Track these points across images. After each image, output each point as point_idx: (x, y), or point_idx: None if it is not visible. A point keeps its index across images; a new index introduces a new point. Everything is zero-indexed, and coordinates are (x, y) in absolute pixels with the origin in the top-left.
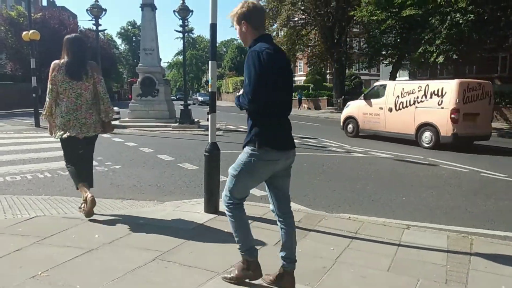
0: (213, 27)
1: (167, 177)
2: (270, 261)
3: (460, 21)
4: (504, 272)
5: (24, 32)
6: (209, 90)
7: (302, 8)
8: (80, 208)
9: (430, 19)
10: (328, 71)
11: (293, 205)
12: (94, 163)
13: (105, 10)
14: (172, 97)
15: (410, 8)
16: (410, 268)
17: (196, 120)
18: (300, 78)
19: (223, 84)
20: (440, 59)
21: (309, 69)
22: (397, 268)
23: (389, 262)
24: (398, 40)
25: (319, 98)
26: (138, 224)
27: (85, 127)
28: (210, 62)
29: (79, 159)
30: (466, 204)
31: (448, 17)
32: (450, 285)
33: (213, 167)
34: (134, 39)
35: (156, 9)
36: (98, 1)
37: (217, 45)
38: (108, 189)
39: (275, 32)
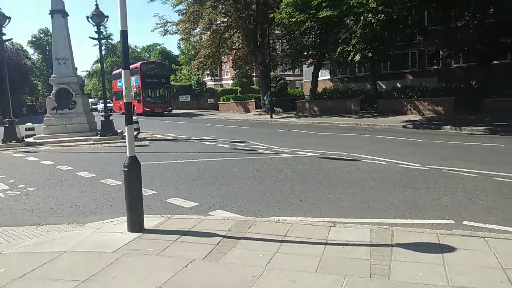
0: (124, 34)
1: (87, 196)
2: (197, 277)
3: (373, 21)
4: (422, 259)
5: None
6: (124, 101)
7: (224, 11)
8: None
9: (345, 19)
10: (254, 74)
11: (224, 214)
12: (5, 187)
13: (9, 18)
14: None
15: (326, 10)
16: (337, 266)
17: (119, 131)
18: (227, 81)
19: None
20: (357, 57)
21: (235, 72)
22: (325, 267)
23: (317, 263)
24: (318, 40)
25: (247, 100)
26: (53, 252)
27: None
28: (123, 71)
29: None
30: (387, 196)
31: (362, 17)
32: (374, 279)
33: (133, 182)
34: (48, 48)
35: (67, 15)
36: (0, 9)
37: (139, 50)
38: (21, 215)
39: (198, 36)
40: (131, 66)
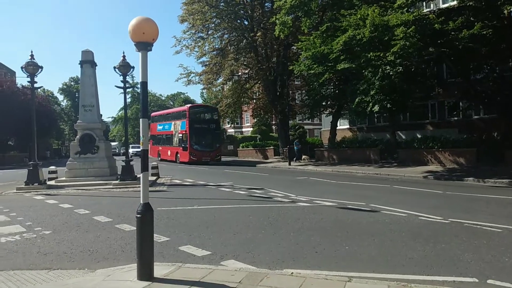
0: (144, 85)
1: (101, 241)
2: None
3: (391, 73)
4: None
5: None
6: (141, 148)
7: (245, 63)
8: None
9: (363, 71)
10: (273, 122)
11: (236, 264)
12: (22, 229)
13: (41, 67)
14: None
15: (344, 62)
16: None
17: (138, 176)
18: (247, 129)
19: None
20: (376, 108)
21: (255, 120)
22: None
23: None
24: (336, 91)
25: (266, 148)
26: None
27: None
28: (141, 120)
29: None
30: (406, 250)
31: (380, 70)
32: None
33: (145, 230)
34: (77, 95)
35: (96, 65)
36: (33, 58)
37: (164, 98)
38: (34, 259)
39: (220, 86)
40: (178, 109)
